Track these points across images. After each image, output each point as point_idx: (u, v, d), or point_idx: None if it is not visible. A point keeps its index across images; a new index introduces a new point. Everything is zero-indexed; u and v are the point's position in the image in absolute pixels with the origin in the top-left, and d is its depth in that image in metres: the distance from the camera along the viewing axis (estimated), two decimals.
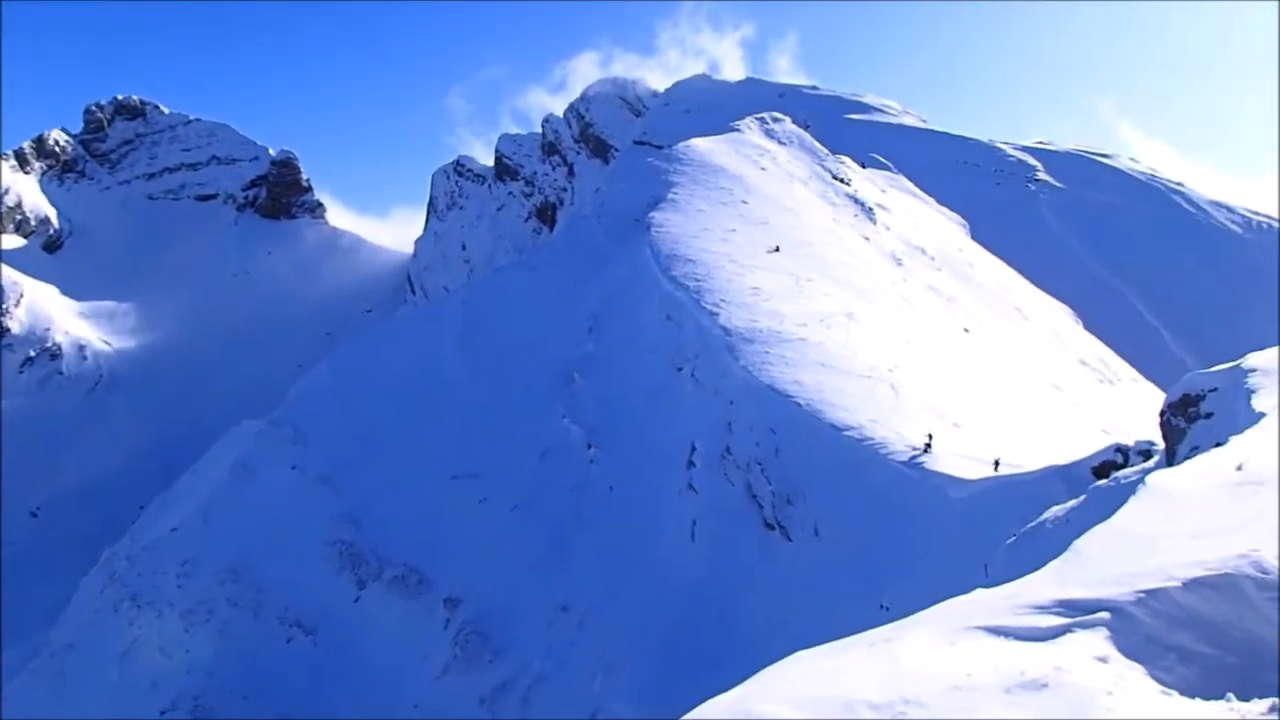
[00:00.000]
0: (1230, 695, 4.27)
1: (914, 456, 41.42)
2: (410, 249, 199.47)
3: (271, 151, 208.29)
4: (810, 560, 41.01)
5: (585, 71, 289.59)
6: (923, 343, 56.94)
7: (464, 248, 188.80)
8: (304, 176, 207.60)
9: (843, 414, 44.99)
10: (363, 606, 56.38)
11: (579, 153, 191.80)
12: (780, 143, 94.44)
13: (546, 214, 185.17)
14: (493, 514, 57.65)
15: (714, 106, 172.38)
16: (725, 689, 4.85)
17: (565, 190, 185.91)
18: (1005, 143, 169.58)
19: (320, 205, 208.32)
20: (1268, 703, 4.10)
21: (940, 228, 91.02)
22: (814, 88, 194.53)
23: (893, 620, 5.93)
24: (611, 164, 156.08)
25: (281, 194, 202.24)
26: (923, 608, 6.18)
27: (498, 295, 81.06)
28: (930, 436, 42.01)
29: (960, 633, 4.87)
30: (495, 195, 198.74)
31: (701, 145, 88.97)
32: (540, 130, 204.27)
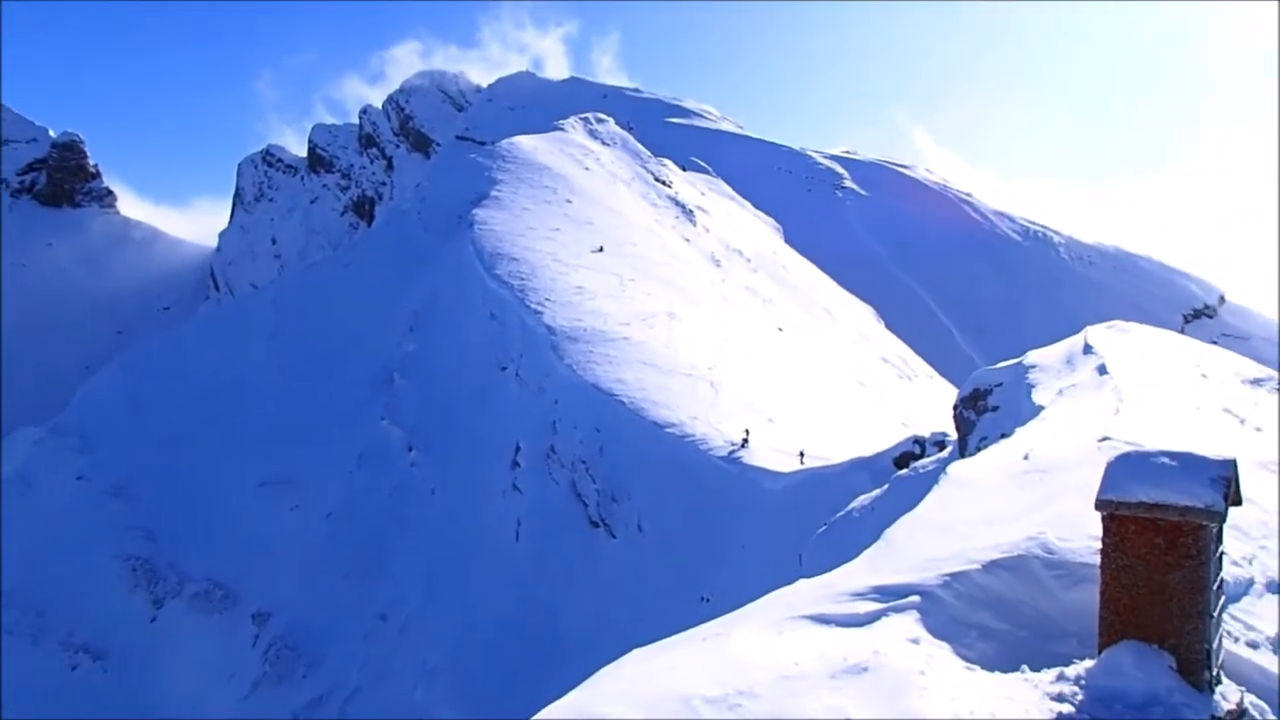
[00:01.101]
0: (1025, 667, 4.66)
1: (732, 452, 42.85)
2: (213, 242, 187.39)
3: (53, 133, 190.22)
4: (634, 556, 41.63)
5: (405, 62, 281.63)
6: (740, 341, 58.99)
7: (274, 242, 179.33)
8: (91, 161, 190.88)
9: (665, 411, 45.92)
10: (160, 627, 52.45)
11: (398, 146, 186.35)
12: (604, 143, 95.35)
13: (364, 208, 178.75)
14: (305, 522, 55.06)
15: (538, 104, 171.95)
16: (554, 690, 4.83)
17: (384, 184, 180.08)
18: (815, 151, 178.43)
19: (110, 193, 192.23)
20: (1055, 671, 4.50)
21: (756, 231, 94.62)
22: (637, 90, 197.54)
23: (714, 612, 6.08)
24: (433, 159, 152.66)
25: (64, 180, 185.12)
26: (742, 598, 6.39)
27: (312, 292, 77.52)
28: (747, 432, 43.59)
29: (786, 623, 5.06)
30: (308, 187, 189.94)
31: (526, 143, 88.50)
32: (357, 121, 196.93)
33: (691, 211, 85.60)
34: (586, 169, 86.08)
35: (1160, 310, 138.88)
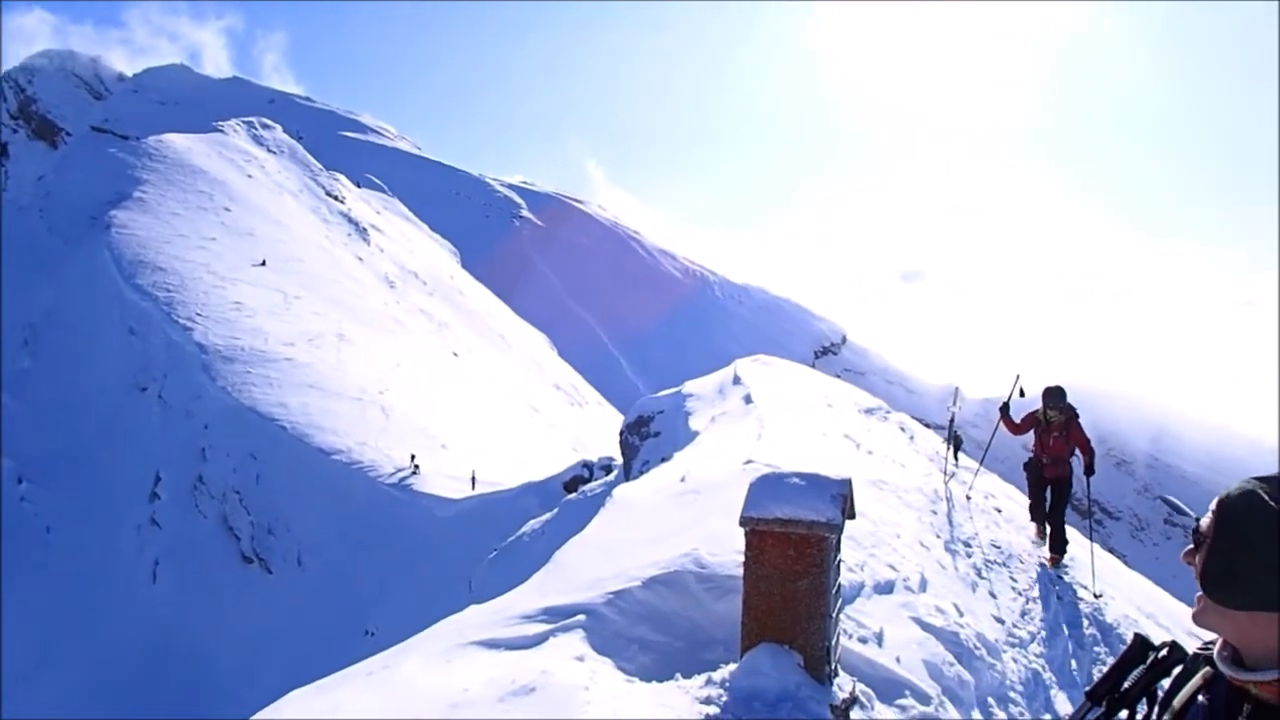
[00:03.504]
0: (678, 675, 5.01)
1: (402, 479, 41.77)
2: None
3: None
4: (293, 592, 39.05)
5: (32, 32, 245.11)
6: (414, 366, 57.78)
7: None
8: None
9: (331, 437, 43.74)
10: None
11: (16, 130, 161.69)
12: (270, 151, 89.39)
13: None
14: None
15: (194, 102, 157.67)
16: None
17: None
18: (494, 178, 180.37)
19: None
20: (704, 676, 4.90)
21: (433, 254, 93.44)
22: (308, 99, 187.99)
23: (379, 647, 5.91)
24: (62, 149, 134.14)
25: None
26: (411, 630, 6.27)
27: None
28: (413, 458, 42.78)
29: (455, 650, 5.03)
30: None
31: (179, 142, 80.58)
32: None
33: (365, 230, 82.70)
34: (249, 176, 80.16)
35: (796, 346, 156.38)
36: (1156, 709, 1.77)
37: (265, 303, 56.51)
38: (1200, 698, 1.68)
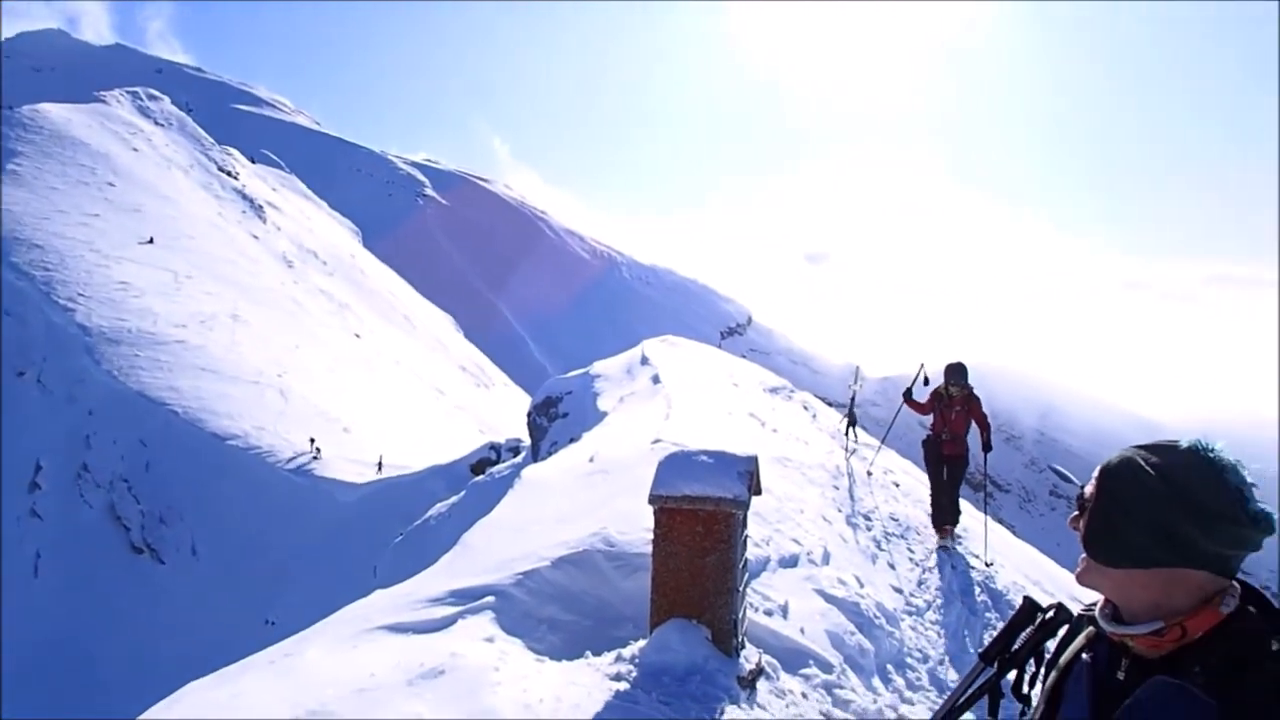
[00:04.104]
0: (588, 653, 5.04)
1: (303, 464, 40.73)
2: None
3: None
4: (188, 583, 37.71)
5: None
6: (314, 347, 56.21)
7: None
8: None
9: (226, 422, 42.27)
10: None
11: None
12: (157, 123, 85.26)
13: None
14: None
15: (72, 70, 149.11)
16: None
17: None
18: (396, 155, 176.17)
19: None
20: (614, 654, 4.94)
21: (333, 232, 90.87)
22: (198, 69, 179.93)
23: (280, 636, 5.77)
24: None
25: None
26: (314, 618, 6.13)
27: None
28: (313, 441, 41.76)
29: (362, 635, 4.94)
30: None
31: (56, 113, 76.04)
32: None
33: (261, 207, 79.82)
34: (135, 150, 76.34)
35: (703, 326, 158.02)
36: (1044, 667, 1.86)
37: (154, 282, 54.06)
38: (1084, 655, 1.79)
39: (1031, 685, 1.86)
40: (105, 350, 45.15)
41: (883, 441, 12.98)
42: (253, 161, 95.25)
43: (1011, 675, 1.87)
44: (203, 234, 66.16)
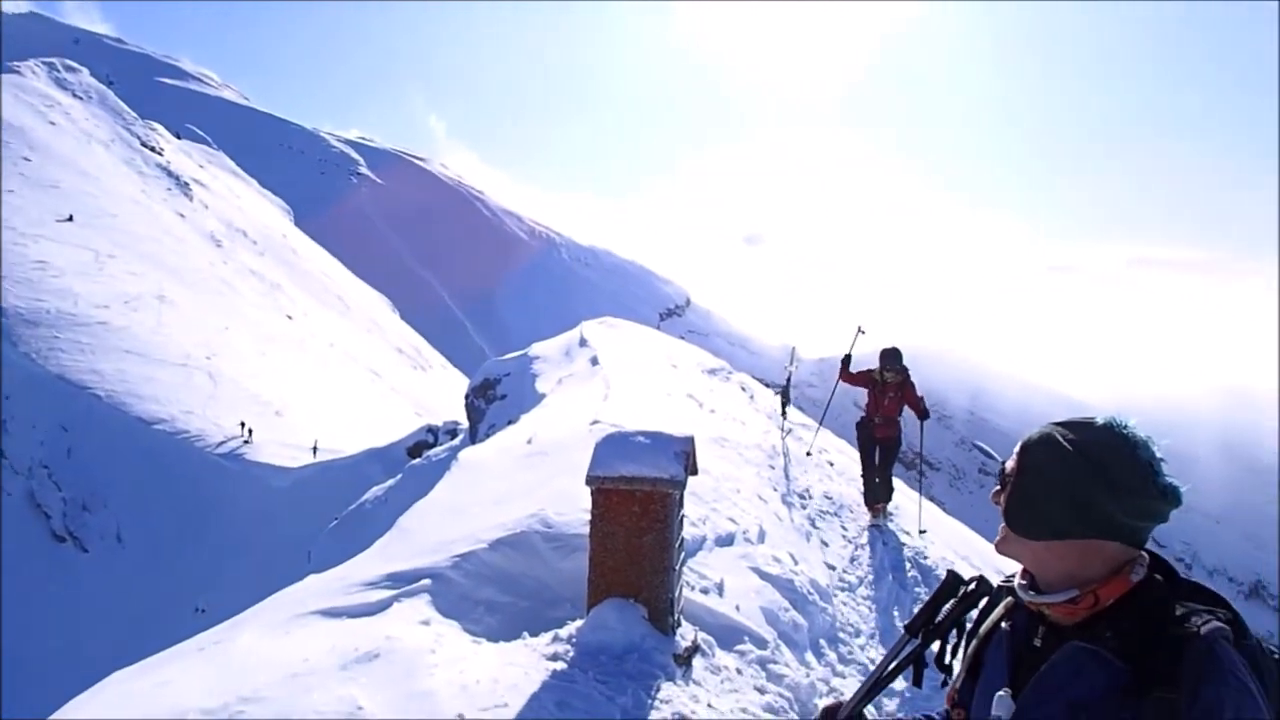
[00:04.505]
0: (525, 634, 5.04)
1: (234, 448, 39.86)
2: None
3: None
4: (113, 571, 36.69)
5: None
6: (244, 329, 54.89)
7: None
8: None
9: (153, 406, 41.09)
10: None
11: None
12: (76, 96, 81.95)
13: None
14: None
15: None
16: None
17: None
18: (329, 132, 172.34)
19: None
20: (551, 634, 4.95)
21: (263, 211, 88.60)
22: (119, 40, 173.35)
23: (211, 624, 5.65)
24: None
25: None
26: (246, 604, 6.02)
27: None
28: (243, 425, 40.89)
29: (295, 620, 4.87)
30: None
31: None
32: None
33: (187, 184, 77.41)
34: (52, 123, 73.31)
35: (642, 308, 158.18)
36: (965, 637, 1.93)
37: (74, 262, 52.14)
38: (1003, 624, 1.86)
39: (954, 655, 1.93)
40: (22, 332, 43.48)
41: (820, 422, 13.17)
42: (178, 137, 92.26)
43: (935, 646, 1.93)
44: (125, 212, 63.96)
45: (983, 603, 1.94)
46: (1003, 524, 1.78)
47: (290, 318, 64.30)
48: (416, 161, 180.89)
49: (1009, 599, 1.88)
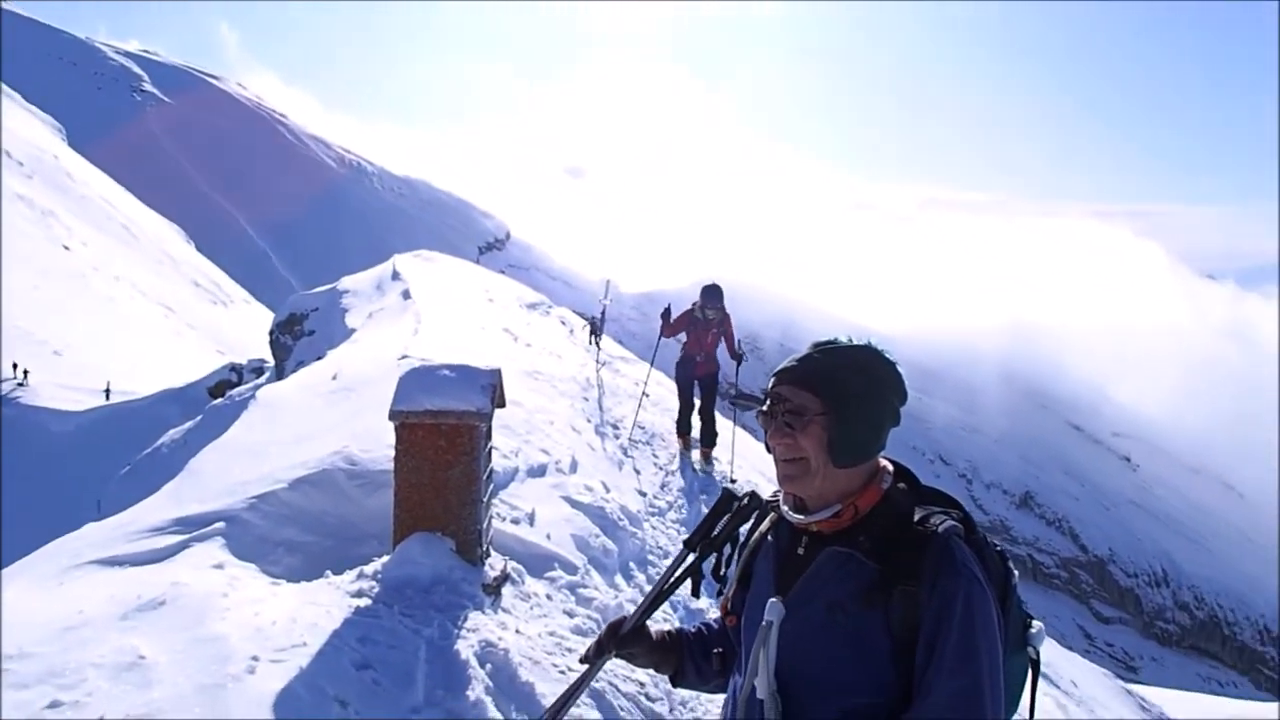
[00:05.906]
0: (328, 572, 4.92)
1: (7, 391, 36.47)
2: None
3: None
4: None
5: None
6: (12, 261, 49.58)
7: None
8: None
9: None
10: None
11: None
12: None
13: None
14: None
15: None
16: None
17: None
18: (106, 44, 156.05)
19: None
20: (356, 571, 4.86)
21: (31, 130, 79.58)
22: None
23: None
24: None
25: None
26: (21, 557, 5.57)
27: None
28: (17, 366, 37.44)
29: (70, 571, 4.55)
30: None
31: None
32: None
33: None
34: None
35: (460, 242, 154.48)
36: (737, 550, 2.05)
37: None
38: (769, 537, 1.99)
39: (729, 566, 2.05)
40: None
41: (652, 363, 12.86)
42: None
43: (712, 559, 2.04)
44: None
45: (753, 517, 2.06)
46: (801, 461, 1.84)
47: (67, 248, 58.55)
48: (209, 79, 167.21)
49: (774, 514, 2.01)
